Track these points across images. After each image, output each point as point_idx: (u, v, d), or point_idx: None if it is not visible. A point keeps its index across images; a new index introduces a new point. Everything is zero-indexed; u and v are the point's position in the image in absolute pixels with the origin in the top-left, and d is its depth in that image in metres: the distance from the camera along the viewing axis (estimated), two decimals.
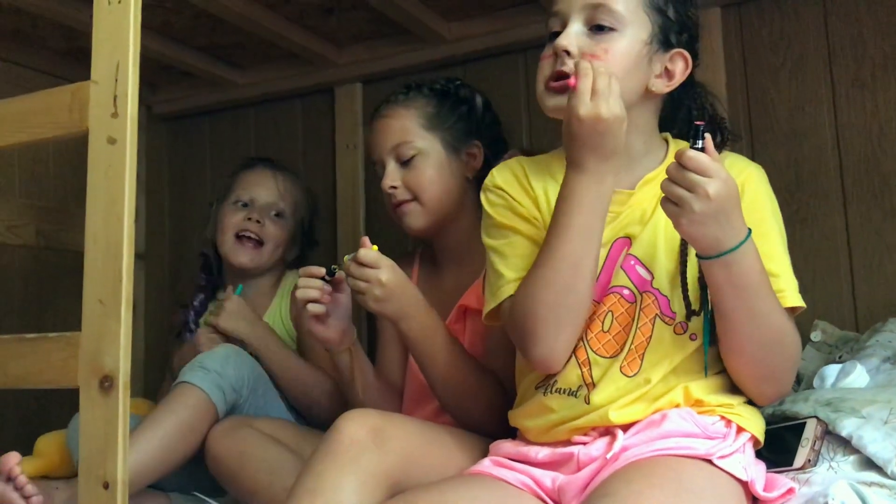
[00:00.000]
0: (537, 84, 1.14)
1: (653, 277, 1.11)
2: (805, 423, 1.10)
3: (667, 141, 1.22)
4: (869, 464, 1.03)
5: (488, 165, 1.48)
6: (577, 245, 1.05)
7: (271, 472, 1.32)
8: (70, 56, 2.09)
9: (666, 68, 1.15)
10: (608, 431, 1.08)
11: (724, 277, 1.02)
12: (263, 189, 1.83)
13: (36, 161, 2.16)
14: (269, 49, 2.08)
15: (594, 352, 1.11)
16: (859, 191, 1.67)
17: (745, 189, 1.10)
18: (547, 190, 1.18)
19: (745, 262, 1.01)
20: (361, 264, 1.26)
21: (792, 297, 1.09)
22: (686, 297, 1.09)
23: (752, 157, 1.73)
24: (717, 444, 1.03)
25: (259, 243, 1.80)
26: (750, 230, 1.01)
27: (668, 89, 1.16)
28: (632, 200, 1.15)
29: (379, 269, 1.26)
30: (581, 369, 1.11)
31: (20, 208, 2.09)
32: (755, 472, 1.04)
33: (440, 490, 1.04)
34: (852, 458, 1.04)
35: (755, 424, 1.10)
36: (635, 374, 1.09)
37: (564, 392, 1.12)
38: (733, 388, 1.11)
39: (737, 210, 1.00)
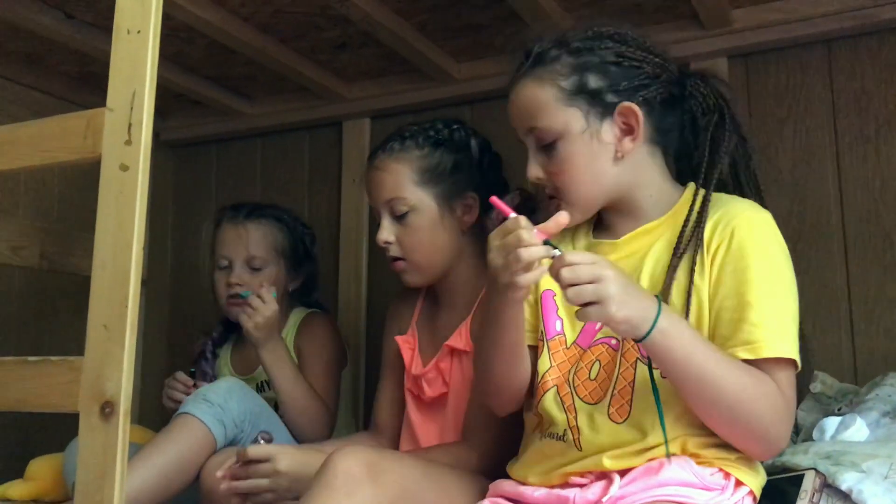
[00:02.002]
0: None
1: None
2: (803, 475, 1.09)
3: (686, 188, 1.21)
4: None
5: (485, 215, 1.49)
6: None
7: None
8: (82, 81, 2.11)
9: (621, 127, 1.15)
10: (604, 476, 1.08)
11: (661, 352, 1.01)
12: (234, 247, 1.82)
13: (41, 183, 2.17)
14: (280, 81, 2.10)
15: (580, 398, 1.13)
16: (861, 244, 1.68)
17: (733, 237, 1.09)
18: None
19: (671, 331, 0.99)
20: (254, 461, 1.26)
21: (771, 347, 1.03)
22: None
23: None
24: (714, 497, 1.03)
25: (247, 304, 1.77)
26: (658, 298, 1.01)
27: (636, 143, 1.15)
28: (621, 251, 1.16)
29: (273, 461, 1.26)
30: (567, 414, 1.13)
31: (24, 229, 2.09)
32: None
33: None
34: None
35: (754, 479, 1.09)
36: (625, 421, 1.08)
37: (554, 436, 1.13)
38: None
39: (631, 278, 1.03)
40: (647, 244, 1.15)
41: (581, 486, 1.08)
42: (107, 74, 1.05)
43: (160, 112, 2.35)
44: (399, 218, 1.46)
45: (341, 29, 1.82)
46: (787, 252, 1.13)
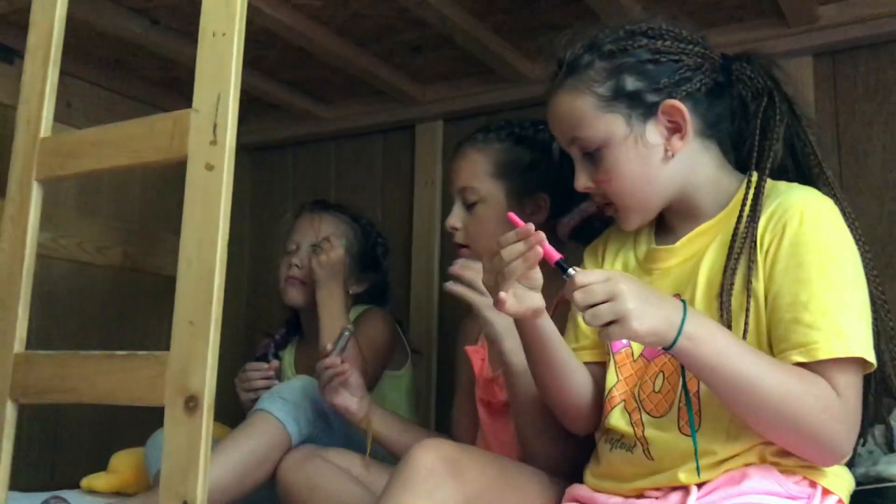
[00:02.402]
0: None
1: None
2: None
3: (748, 181, 1.13)
4: None
5: (554, 217, 1.47)
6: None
7: (329, 475, 1.34)
8: (164, 85, 2.17)
9: (667, 126, 1.11)
10: (681, 487, 1.05)
11: (691, 359, 0.98)
12: (305, 232, 1.87)
13: (123, 186, 2.24)
14: (355, 84, 2.12)
15: (647, 412, 1.10)
16: None
17: (786, 231, 1.03)
18: (618, 256, 1.22)
19: (699, 335, 0.96)
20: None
21: (826, 349, 0.97)
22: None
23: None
24: None
25: (303, 283, 1.83)
26: (684, 302, 0.98)
27: (685, 140, 1.11)
28: (678, 255, 1.13)
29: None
30: (634, 428, 1.10)
31: (108, 230, 2.16)
32: None
33: None
34: None
35: (842, 485, 1.04)
36: (698, 431, 1.04)
37: (624, 447, 1.11)
38: None
39: (650, 287, 1.01)
40: (704, 245, 1.11)
41: (656, 498, 1.06)
42: (189, 79, 1.07)
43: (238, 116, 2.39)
44: (469, 206, 1.48)
45: (418, 31, 1.82)
46: (848, 242, 1.05)
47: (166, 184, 2.24)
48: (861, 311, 1.01)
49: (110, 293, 2.18)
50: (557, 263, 1.00)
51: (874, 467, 1.12)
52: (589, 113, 1.11)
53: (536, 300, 1.06)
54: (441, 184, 2.17)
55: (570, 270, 0.98)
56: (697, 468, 1.02)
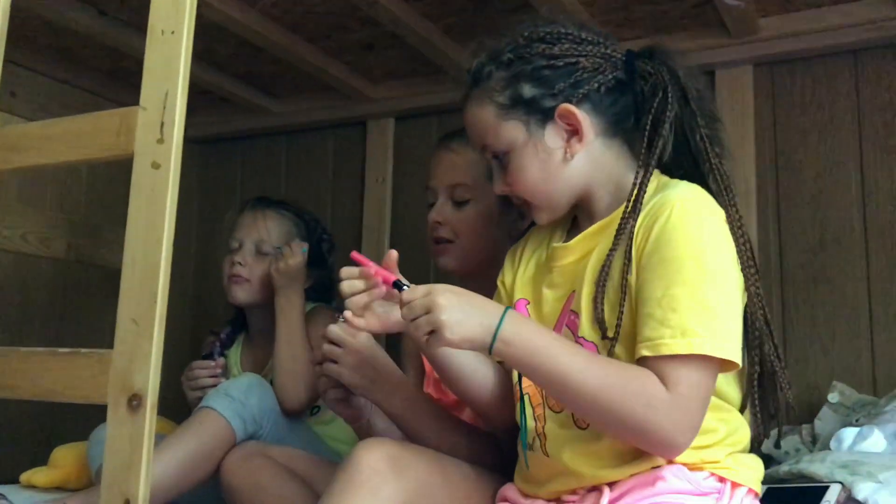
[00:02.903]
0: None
1: (579, 326, 1.10)
2: (829, 486, 1.09)
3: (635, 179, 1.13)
4: None
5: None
6: None
7: (274, 473, 1.34)
8: (113, 77, 2.14)
9: (566, 129, 1.12)
10: (595, 488, 1.06)
11: (508, 360, 1.03)
12: (248, 230, 1.84)
13: (70, 176, 2.20)
14: (306, 80, 2.12)
15: (549, 407, 1.13)
16: (883, 255, 1.68)
17: (653, 227, 1.04)
18: (533, 255, 1.24)
19: (516, 339, 1.00)
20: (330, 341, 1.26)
21: (671, 344, 0.98)
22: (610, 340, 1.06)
23: (778, 216, 1.77)
24: (712, 503, 1.02)
25: (248, 281, 1.80)
26: (506, 309, 1.02)
27: (587, 144, 1.12)
28: (573, 254, 1.15)
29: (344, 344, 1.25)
30: (536, 422, 1.13)
31: (52, 221, 2.13)
32: None
33: None
34: None
35: (750, 476, 1.07)
36: (589, 427, 1.07)
37: (527, 447, 1.14)
38: (713, 431, 1.06)
39: (474, 297, 1.03)
40: (595, 243, 1.13)
41: (573, 502, 1.08)
42: (138, 71, 1.07)
43: (187, 108, 2.37)
44: (458, 204, 1.47)
45: (369, 30, 1.84)
46: (714, 239, 1.04)
47: (114, 174, 2.22)
48: (719, 310, 1.00)
49: (54, 285, 2.15)
50: (394, 284, 1.10)
51: (797, 465, 1.17)
52: (492, 121, 1.14)
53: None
54: (392, 181, 2.19)
55: (404, 288, 1.07)
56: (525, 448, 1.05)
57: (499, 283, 1.28)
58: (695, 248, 1.02)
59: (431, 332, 1.00)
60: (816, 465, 1.14)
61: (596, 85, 1.12)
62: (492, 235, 1.46)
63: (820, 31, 1.72)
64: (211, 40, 1.91)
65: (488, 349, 1.01)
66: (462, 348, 1.04)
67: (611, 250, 1.08)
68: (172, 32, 1.08)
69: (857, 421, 1.41)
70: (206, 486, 1.48)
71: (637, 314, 1.03)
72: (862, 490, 1.05)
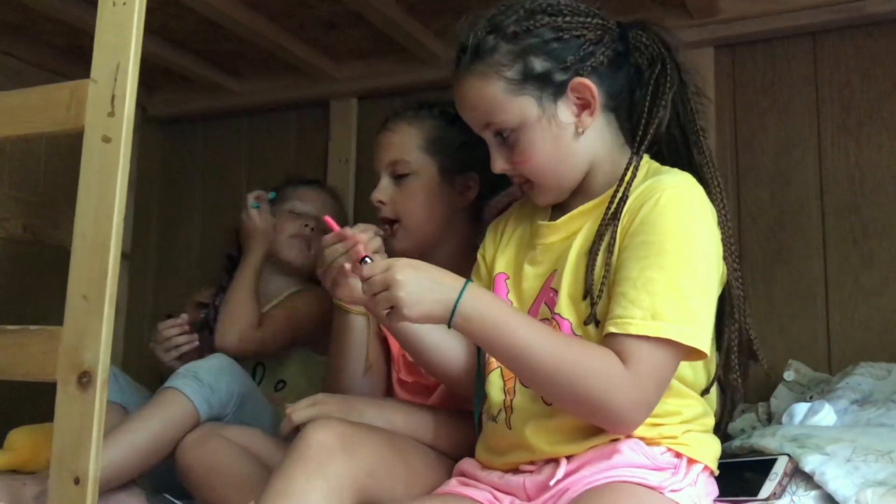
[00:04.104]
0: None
1: (556, 303, 1.10)
2: (776, 459, 1.11)
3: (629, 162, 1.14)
4: (829, 500, 1.04)
5: (483, 199, 1.49)
6: None
7: (240, 488, 1.31)
8: (70, 53, 2.10)
9: (576, 103, 1.11)
10: (553, 460, 1.07)
11: (468, 334, 1.04)
12: (315, 204, 1.95)
13: (27, 155, 2.16)
14: (268, 59, 2.10)
15: (519, 381, 1.13)
16: (839, 235, 1.70)
17: (640, 211, 1.05)
18: (516, 232, 1.23)
19: (474, 314, 1.00)
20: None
21: (640, 325, 0.98)
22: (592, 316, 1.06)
23: (737, 196, 1.78)
24: (668, 478, 1.03)
25: (308, 246, 1.90)
26: (466, 283, 1.02)
27: (595, 115, 1.11)
28: (559, 232, 1.15)
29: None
30: (505, 396, 1.14)
31: (8, 201, 2.09)
32: None
33: None
34: (814, 493, 1.06)
35: (706, 453, 1.08)
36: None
37: (492, 419, 1.15)
38: (675, 414, 1.07)
39: (434, 271, 1.03)
40: (583, 223, 1.13)
41: (531, 472, 1.09)
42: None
43: (147, 86, 2.34)
44: (398, 179, 1.46)
45: (331, 8, 1.82)
46: (699, 227, 1.04)
47: (72, 153, 2.16)
48: (693, 299, 1.00)
49: (9, 266, 2.11)
50: (363, 260, 1.10)
51: (748, 440, 1.19)
52: (501, 98, 1.10)
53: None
54: (355, 162, 2.17)
55: (366, 261, 1.08)
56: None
57: (479, 256, 1.28)
58: (679, 235, 1.02)
59: (391, 308, 1.00)
60: (767, 439, 1.16)
61: (601, 57, 1.11)
62: (436, 207, 1.45)
63: (779, 12, 1.73)
64: (169, 17, 1.88)
65: (447, 324, 1.01)
66: (421, 324, 1.04)
67: (599, 231, 1.08)
68: (124, 3, 1.06)
69: (810, 398, 1.44)
70: (167, 466, 1.47)
71: (612, 293, 1.03)
72: (809, 462, 1.07)
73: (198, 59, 2.13)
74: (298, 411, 1.23)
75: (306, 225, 1.91)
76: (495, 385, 1.15)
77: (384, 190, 1.47)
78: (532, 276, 1.16)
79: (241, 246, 1.90)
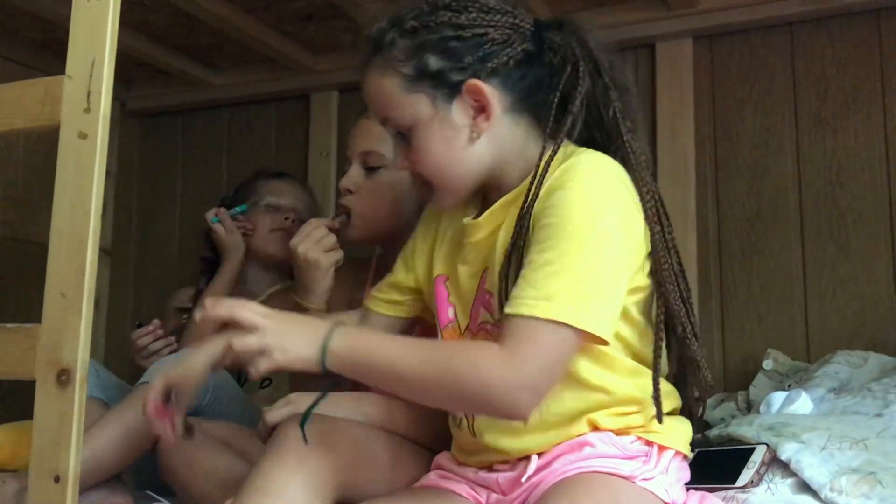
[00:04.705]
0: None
1: (495, 307, 1.06)
2: (755, 448, 1.12)
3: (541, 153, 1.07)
4: (805, 487, 1.05)
5: None
6: None
7: (220, 483, 1.31)
8: (45, 48, 2.08)
9: (472, 106, 1.04)
10: (526, 457, 1.06)
11: (345, 372, 1.00)
12: (290, 197, 1.95)
13: (5, 151, 2.14)
14: (246, 52, 2.09)
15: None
16: (816, 225, 1.72)
17: (549, 196, 1.00)
18: (450, 226, 1.19)
19: (345, 353, 0.97)
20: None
21: (531, 304, 0.93)
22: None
23: (716, 186, 1.80)
24: (640, 467, 1.02)
25: (290, 237, 1.86)
26: (331, 326, 0.98)
27: (495, 122, 1.05)
28: (483, 230, 1.10)
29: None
30: None
31: None
32: (677, 492, 1.04)
33: (397, 502, 1.05)
34: (790, 480, 1.07)
35: (676, 438, 1.07)
36: None
37: (455, 424, 1.14)
38: (637, 402, 1.05)
39: (305, 319, 1.03)
40: (503, 217, 1.08)
41: (503, 470, 1.08)
42: None
43: (125, 81, 2.33)
44: (370, 171, 1.44)
45: (307, 0, 1.81)
46: (609, 209, 0.99)
47: (50, 150, 2.15)
48: (593, 282, 0.95)
49: None
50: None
51: (726, 429, 1.20)
52: (395, 93, 1.05)
53: None
54: (336, 155, 2.17)
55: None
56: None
57: (410, 240, 1.25)
58: (581, 216, 0.97)
59: (261, 355, 0.96)
60: (744, 428, 1.17)
61: (505, 58, 1.04)
62: (402, 203, 1.43)
63: (756, 3, 1.75)
64: (146, 11, 1.86)
65: (321, 365, 0.97)
66: (294, 368, 0.98)
67: (516, 228, 1.03)
68: None
69: (788, 387, 1.45)
70: (141, 461, 1.47)
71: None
72: (786, 450, 1.08)
73: (176, 52, 2.12)
74: (273, 412, 1.22)
75: (286, 217, 1.91)
76: None
77: (353, 179, 1.44)
78: (466, 277, 1.12)
79: (214, 247, 1.91)
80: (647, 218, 1.03)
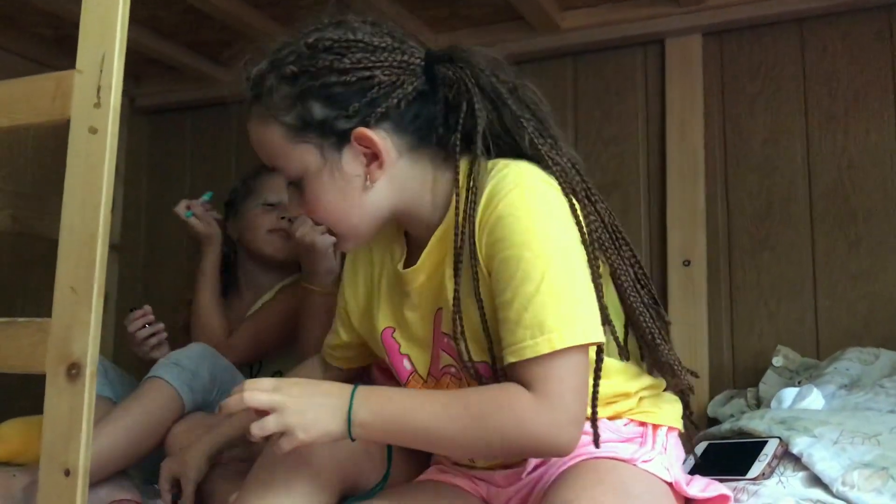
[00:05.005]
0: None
1: (458, 350, 1.02)
2: (767, 441, 1.12)
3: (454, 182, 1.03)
4: (816, 481, 1.05)
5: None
6: None
7: (228, 477, 1.32)
8: (57, 44, 2.09)
9: (364, 153, 0.99)
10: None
11: (375, 439, 1.00)
12: (281, 189, 1.86)
13: (15, 147, 2.15)
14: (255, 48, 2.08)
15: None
16: (827, 221, 1.71)
17: (491, 233, 0.96)
18: (382, 274, 1.15)
19: (371, 419, 0.94)
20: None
21: (533, 345, 0.91)
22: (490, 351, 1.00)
23: (726, 183, 1.79)
24: (637, 449, 1.02)
25: (288, 238, 1.84)
26: (356, 385, 0.95)
27: (390, 166, 1.00)
28: (423, 274, 1.06)
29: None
30: None
31: None
32: (678, 471, 1.04)
33: (399, 496, 1.05)
34: (801, 474, 1.07)
35: (667, 414, 1.07)
36: None
37: None
38: (625, 394, 1.05)
39: (319, 386, 0.97)
40: (442, 255, 1.03)
41: (499, 467, 1.09)
42: None
43: (135, 77, 2.33)
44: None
45: None
46: (548, 221, 0.96)
47: (60, 145, 2.16)
48: (566, 294, 0.93)
49: None
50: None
51: (737, 423, 1.20)
52: (280, 144, 1.00)
53: None
54: None
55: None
56: None
57: (339, 303, 1.20)
58: (537, 239, 0.94)
59: (282, 435, 0.93)
60: (756, 422, 1.17)
61: (395, 101, 0.98)
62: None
63: None
64: (155, 7, 1.87)
65: (349, 436, 0.94)
66: (320, 442, 0.96)
67: (455, 261, 0.99)
68: None
69: (798, 383, 1.45)
70: (157, 455, 1.47)
71: (498, 318, 0.96)
72: (798, 444, 1.08)
73: (184, 48, 2.12)
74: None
75: (282, 217, 1.86)
76: None
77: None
78: (419, 323, 1.08)
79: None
80: (588, 224, 0.99)
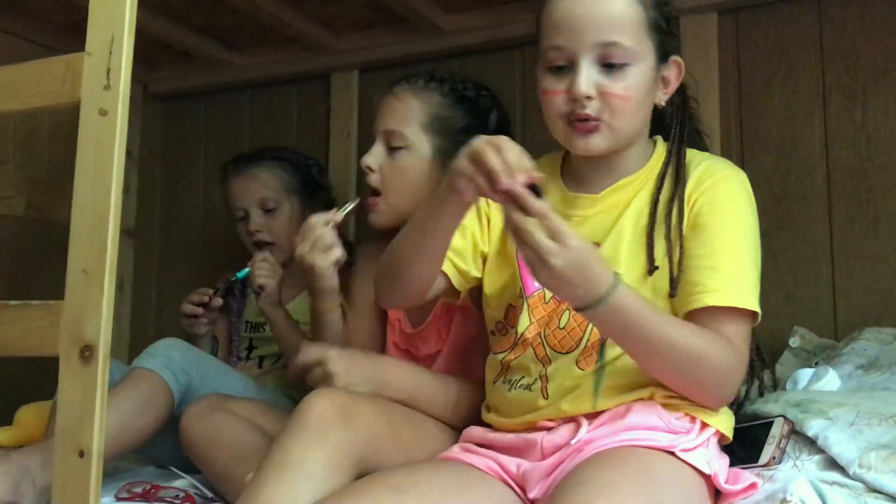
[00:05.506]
0: (556, 121, 1.14)
1: None
2: (772, 421, 1.11)
3: (655, 143, 1.23)
4: (832, 464, 1.04)
5: None
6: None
7: (243, 459, 1.31)
8: (68, 30, 2.09)
9: (663, 77, 1.17)
10: (572, 419, 1.10)
11: (603, 325, 1.04)
12: (244, 195, 1.86)
13: (30, 134, 2.16)
14: (268, 33, 2.08)
15: (550, 347, 1.14)
16: (845, 201, 1.68)
17: (711, 187, 1.14)
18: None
19: (621, 307, 0.99)
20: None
21: (734, 297, 1.07)
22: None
23: (742, 163, 1.75)
24: (679, 438, 1.04)
25: (272, 243, 1.84)
26: (617, 275, 0.99)
27: (666, 97, 1.19)
28: (600, 206, 1.17)
29: (325, 363, 1.26)
30: (540, 365, 1.14)
31: (12, 180, 2.09)
32: (718, 465, 1.06)
33: (411, 471, 1.05)
34: (817, 457, 1.06)
35: (720, 421, 1.10)
36: (591, 369, 1.10)
37: (524, 387, 1.15)
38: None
39: (591, 267, 0.98)
40: (627, 199, 1.17)
41: (548, 429, 1.10)
42: None
43: (147, 63, 2.33)
44: (392, 150, 1.42)
45: None
46: (755, 211, 1.16)
47: (75, 130, 2.16)
48: (758, 273, 1.11)
49: (13, 244, 2.12)
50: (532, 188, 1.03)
51: (752, 406, 1.19)
52: (637, 25, 1.11)
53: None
54: (357, 136, 2.16)
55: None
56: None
57: (482, 207, 1.25)
58: (747, 219, 1.13)
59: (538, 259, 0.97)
60: (770, 405, 1.16)
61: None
62: (423, 188, 1.39)
63: None
64: None
65: (601, 302, 0.98)
66: (567, 301, 1.07)
67: (657, 211, 1.14)
68: None
69: (815, 364, 1.43)
70: (163, 438, 1.49)
71: (688, 266, 1.09)
72: (813, 427, 1.07)
73: (197, 33, 2.12)
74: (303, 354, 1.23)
75: (249, 233, 1.85)
76: (528, 356, 1.15)
77: (375, 157, 1.43)
78: None
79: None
80: None
